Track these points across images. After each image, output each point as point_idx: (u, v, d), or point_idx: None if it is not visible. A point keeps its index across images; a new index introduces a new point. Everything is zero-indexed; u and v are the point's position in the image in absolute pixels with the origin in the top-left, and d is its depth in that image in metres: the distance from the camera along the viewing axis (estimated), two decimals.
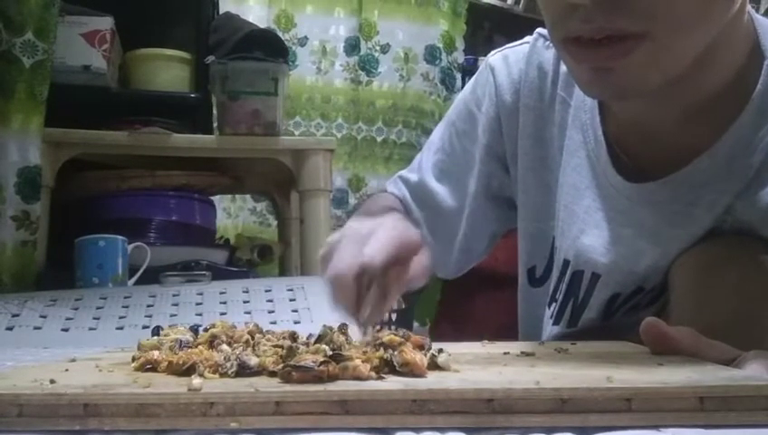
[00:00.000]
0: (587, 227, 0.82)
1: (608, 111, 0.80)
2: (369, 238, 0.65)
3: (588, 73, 0.68)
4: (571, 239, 0.83)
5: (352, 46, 2.65)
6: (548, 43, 0.87)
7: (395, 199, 0.98)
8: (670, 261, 0.75)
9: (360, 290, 0.62)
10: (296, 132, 2.53)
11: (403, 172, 1.01)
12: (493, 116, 0.91)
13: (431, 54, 2.70)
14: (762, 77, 0.72)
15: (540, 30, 0.88)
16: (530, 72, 0.88)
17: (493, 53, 0.95)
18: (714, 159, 0.73)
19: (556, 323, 0.86)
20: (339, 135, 2.60)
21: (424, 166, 0.98)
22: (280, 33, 2.50)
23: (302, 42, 2.60)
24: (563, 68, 0.85)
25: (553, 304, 0.87)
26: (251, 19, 2.42)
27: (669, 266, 0.75)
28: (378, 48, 2.66)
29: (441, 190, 0.96)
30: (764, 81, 0.72)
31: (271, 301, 1.29)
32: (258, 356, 0.50)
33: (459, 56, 2.75)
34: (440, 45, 2.70)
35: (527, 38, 0.91)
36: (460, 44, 2.75)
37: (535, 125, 0.88)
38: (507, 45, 0.94)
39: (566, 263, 0.84)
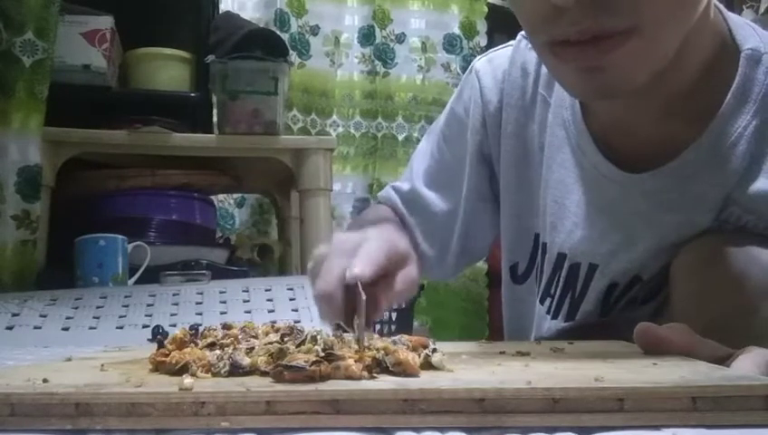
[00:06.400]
0: (580, 220, 0.82)
1: (588, 110, 0.81)
2: (358, 250, 0.65)
3: (575, 74, 0.68)
4: (566, 233, 0.84)
5: (366, 36, 2.51)
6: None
7: (387, 209, 0.99)
8: (667, 247, 0.76)
9: (349, 304, 0.61)
10: (313, 131, 2.41)
11: (395, 182, 1.02)
12: (479, 119, 0.92)
13: (450, 44, 2.56)
14: (740, 68, 0.73)
15: (523, 32, 0.89)
16: (513, 71, 0.90)
17: (478, 57, 0.96)
18: (699, 152, 0.73)
19: (554, 317, 0.86)
20: (357, 134, 2.49)
21: (414, 174, 0.99)
22: (292, 20, 2.40)
23: (314, 30, 2.46)
24: (545, 68, 0.85)
25: (548, 300, 0.87)
26: (261, 4, 2.38)
27: (668, 259, 0.76)
28: (393, 37, 2.52)
29: (432, 196, 0.97)
30: (743, 72, 0.73)
31: (271, 300, 1.30)
32: (251, 356, 0.50)
33: (482, 39, 2.58)
34: (459, 33, 2.56)
35: (512, 42, 0.92)
36: (482, 27, 2.58)
37: (517, 122, 0.89)
38: (492, 49, 0.95)
39: (561, 256, 0.85)
